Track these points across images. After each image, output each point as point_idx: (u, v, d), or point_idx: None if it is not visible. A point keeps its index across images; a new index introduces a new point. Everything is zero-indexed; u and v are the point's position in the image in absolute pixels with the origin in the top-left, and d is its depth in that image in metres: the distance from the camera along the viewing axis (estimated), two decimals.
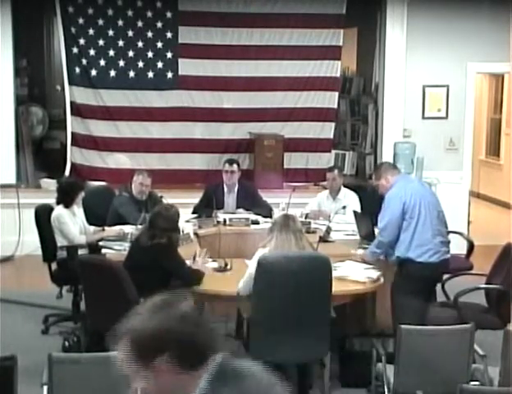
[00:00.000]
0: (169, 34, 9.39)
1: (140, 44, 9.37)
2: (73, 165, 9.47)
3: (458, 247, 6.81)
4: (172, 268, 5.22)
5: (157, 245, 5.17)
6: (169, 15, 9.37)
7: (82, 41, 9.29)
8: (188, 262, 5.40)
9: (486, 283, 5.48)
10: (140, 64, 9.40)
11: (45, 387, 3.75)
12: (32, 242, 7.19)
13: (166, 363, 1.82)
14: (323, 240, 6.25)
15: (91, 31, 9.27)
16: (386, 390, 4.38)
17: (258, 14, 9.49)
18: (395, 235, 5.42)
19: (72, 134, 9.45)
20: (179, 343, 1.83)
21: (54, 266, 6.43)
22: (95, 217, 6.71)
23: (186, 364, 1.83)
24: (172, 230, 5.32)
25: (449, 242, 5.59)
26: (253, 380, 1.87)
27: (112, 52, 9.34)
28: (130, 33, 9.34)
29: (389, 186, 5.56)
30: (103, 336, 5.33)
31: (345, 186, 7.43)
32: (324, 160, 9.81)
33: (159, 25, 9.37)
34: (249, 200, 7.36)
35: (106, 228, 6.55)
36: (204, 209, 7.15)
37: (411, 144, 9.23)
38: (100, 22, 9.29)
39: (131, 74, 9.40)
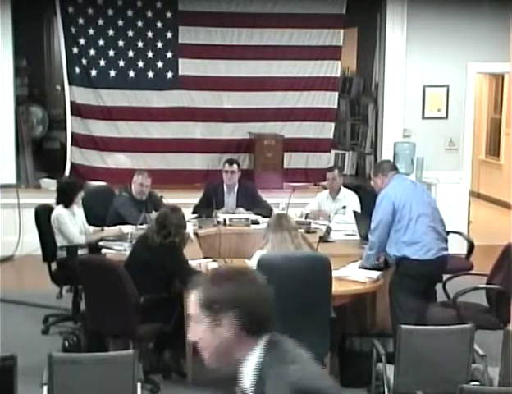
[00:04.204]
0: (169, 34, 9.39)
1: (140, 44, 9.37)
2: (73, 165, 9.46)
3: (458, 247, 6.81)
4: (177, 268, 5.23)
5: (170, 243, 5.21)
6: (169, 15, 9.37)
7: (82, 41, 9.28)
8: (192, 263, 5.41)
9: (487, 283, 5.48)
10: (140, 64, 9.40)
11: (45, 387, 3.75)
12: (32, 242, 7.19)
13: (230, 320, 1.98)
14: (323, 240, 6.26)
15: (91, 31, 9.27)
16: (386, 390, 4.38)
17: (258, 14, 9.48)
18: (386, 235, 5.49)
19: (72, 134, 9.45)
20: (247, 307, 2.00)
21: (54, 266, 6.43)
22: (95, 217, 6.71)
23: (246, 327, 1.99)
24: (185, 228, 5.40)
25: (446, 239, 5.60)
26: (303, 365, 2.00)
27: (112, 52, 9.34)
28: (130, 33, 9.34)
29: (383, 186, 5.62)
30: (103, 336, 5.37)
31: (345, 186, 7.43)
32: (324, 160, 9.81)
33: (159, 25, 9.37)
34: (249, 200, 7.37)
35: (105, 228, 6.56)
36: (204, 209, 7.16)
37: (411, 144, 9.23)
38: (100, 22, 9.28)
39: (131, 74, 9.40)
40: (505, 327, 4.91)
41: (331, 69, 9.69)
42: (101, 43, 9.30)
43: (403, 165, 9.05)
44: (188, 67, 9.47)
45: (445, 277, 5.75)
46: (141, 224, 6.34)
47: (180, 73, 9.48)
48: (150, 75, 9.43)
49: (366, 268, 5.55)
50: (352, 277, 5.38)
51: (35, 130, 10.16)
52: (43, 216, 6.46)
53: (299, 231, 5.21)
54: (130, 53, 9.37)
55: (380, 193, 5.62)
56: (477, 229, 9.50)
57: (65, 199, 6.39)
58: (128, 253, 5.59)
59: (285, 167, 9.51)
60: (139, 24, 9.34)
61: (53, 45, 11.05)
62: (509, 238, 6.07)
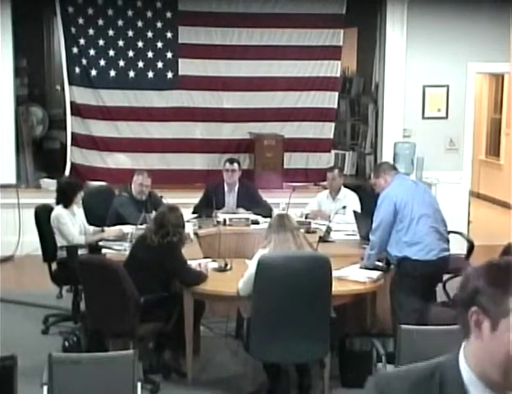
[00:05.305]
0: (169, 34, 9.39)
1: (140, 44, 9.37)
2: (73, 165, 9.46)
3: (458, 247, 6.80)
4: (175, 267, 5.23)
5: (169, 243, 5.20)
6: (169, 15, 9.37)
7: (82, 41, 9.28)
8: (191, 263, 5.41)
9: None
10: (140, 64, 9.40)
11: (45, 387, 3.75)
12: (32, 242, 7.19)
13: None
14: (323, 240, 6.25)
15: (91, 31, 9.27)
16: None
17: (258, 14, 9.48)
18: (387, 235, 5.49)
19: (72, 134, 9.45)
20: None
21: (54, 266, 6.43)
22: (95, 217, 6.71)
23: None
24: (183, 227, 5.39)
25: (448, 240, 5.60)
26: None
27: (112, 52, 9.34)
28: (130, 33, 9.34)
29: (386, 186, 5.62)
30: (103, 336, 5.37)
31: (345, 186, 7.43)
32: (324, 160, 9.81)
33: (159, 25, 9.37)
34: (249, 200, 7.37)
35: (105, 229, 6.55)
36: (204, 209, 7.15)
37: (411, 144, 9.23)
38: (100, 22, 9.28)
39: (131, 74, 9.40)
40: None
41: (331, 69, 9.68)
42: (101, 43, 9.30)
43: (403, 165, 9.05)
44: (188, 67, 9.47)
45: (445, 277, 5.75)
46: (141, 224, 6.33)
47: (180, 73, 9.48)
48: (150, 75, 9.43)
49: (367, 268, 5.55)
50: (352, 277, 5.38)
51: (35, 130, 10.16)
52: (43, 216, 6.46)
53: (300, 231, 5.21)
54: (130, 53, 9.37)
55: (381, 193, 5.62)
56: (477, 229, 9.50)
57: (65, 199, 6.39)
58: (128, 253, 5.59)
59: (285, 167, 9.50)
60: (139, 24, 9.34)
61: (53, 45, 11.05)
62: (509, 238, 6.08)
